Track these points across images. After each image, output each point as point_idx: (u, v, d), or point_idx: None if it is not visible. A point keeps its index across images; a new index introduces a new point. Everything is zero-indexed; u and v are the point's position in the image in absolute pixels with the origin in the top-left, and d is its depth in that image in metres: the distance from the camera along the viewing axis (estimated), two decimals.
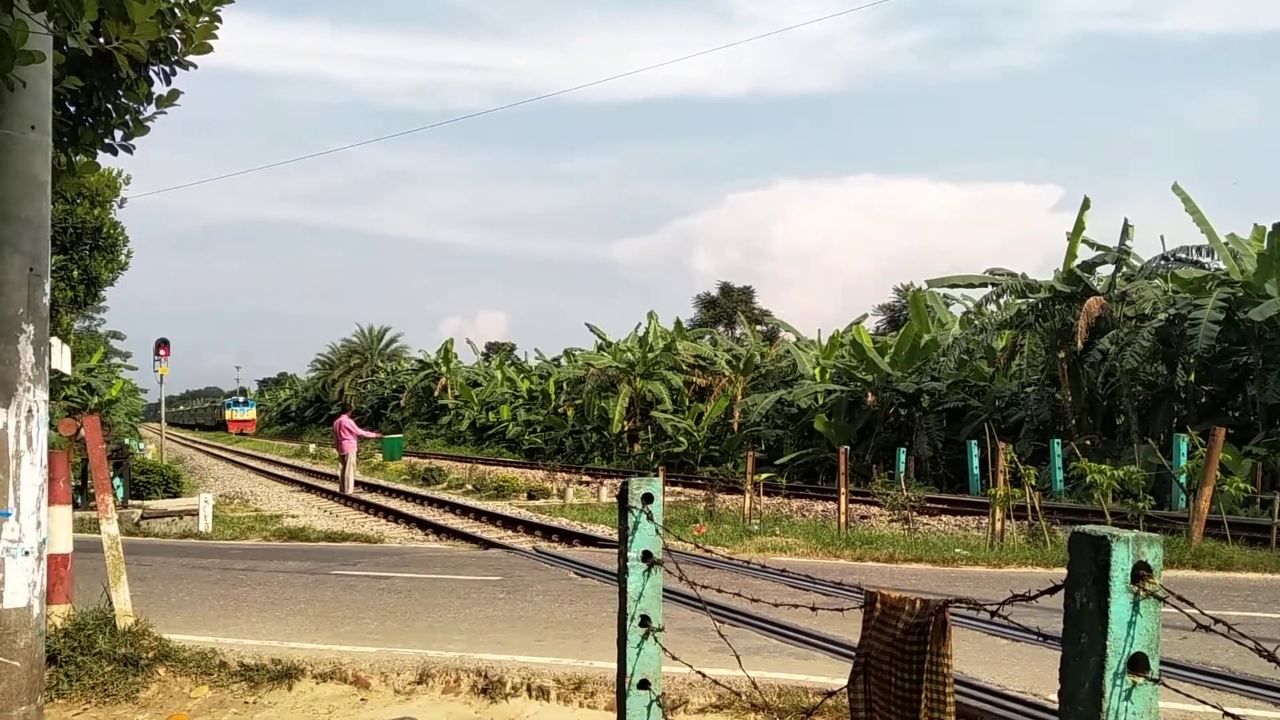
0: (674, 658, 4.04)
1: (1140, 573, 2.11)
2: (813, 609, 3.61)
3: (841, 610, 3.29)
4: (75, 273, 18.32)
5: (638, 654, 3.98)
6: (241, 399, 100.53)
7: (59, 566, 6.86)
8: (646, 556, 3.97)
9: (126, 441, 26.84)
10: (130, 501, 20.50)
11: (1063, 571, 2.11)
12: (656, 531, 3.98)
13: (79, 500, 17.80)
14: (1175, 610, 2.02)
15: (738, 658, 4.27)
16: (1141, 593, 2.09)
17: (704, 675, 4.48)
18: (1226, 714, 2.30)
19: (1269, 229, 21.39)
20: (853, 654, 4.53)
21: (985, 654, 6.99)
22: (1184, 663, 6.47)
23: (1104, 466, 13.75)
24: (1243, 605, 9.17)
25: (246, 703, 6.23)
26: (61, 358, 17.39)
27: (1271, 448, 19.09)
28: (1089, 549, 2.13)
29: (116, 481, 19.35)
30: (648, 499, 4.02)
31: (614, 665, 3.93)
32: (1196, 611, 2.12)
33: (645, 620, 3.99)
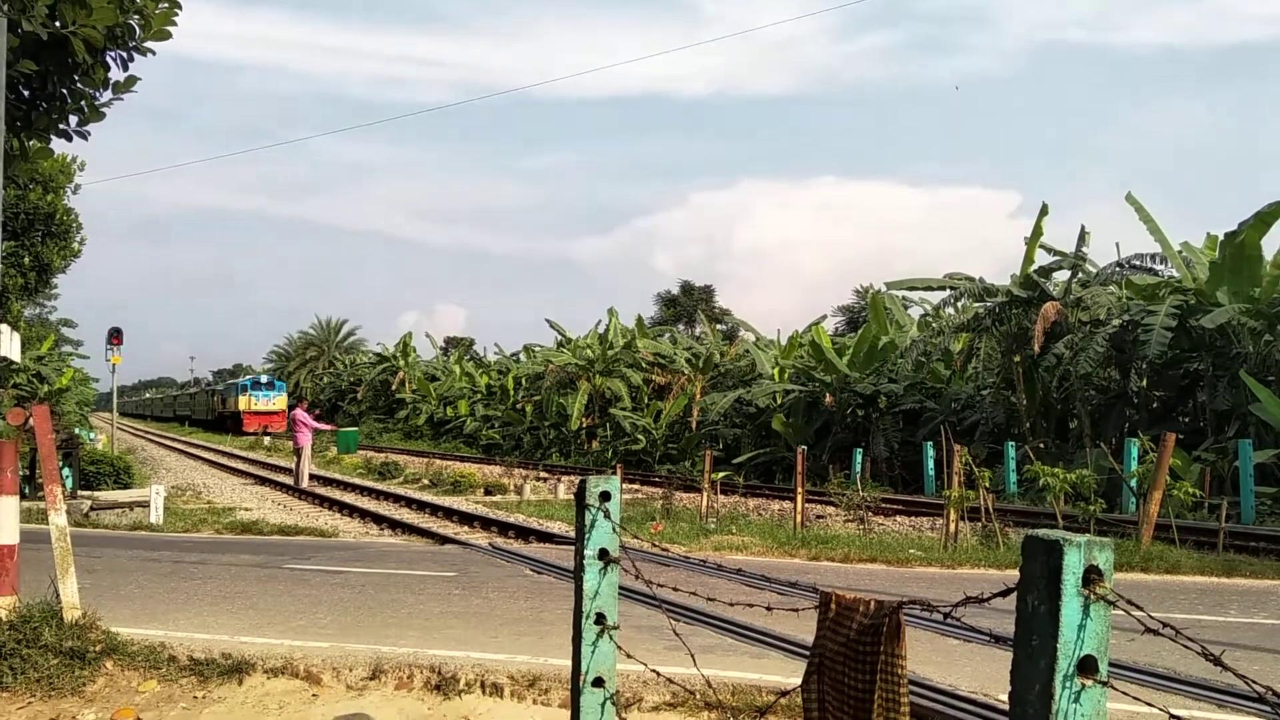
0: (629, 655, 4.04)
1: (1091, 576, 2.13)
2: (768, 609, 3.62)
3: (796, 611, 3.30)
4: (26, 259, 18.00)
5: (593, 652, 3.98)
6: (264, 379, 65.70)
7: (5, 558, 6.75)
8: (603, 555, 3.97)
9: (76, 431, 26.44)
10: (80, 492, 20.19)
11: (1015, 573, 2.14)
12: (614, 530, 3.98)
13: (26, 490, 17.48)
14: (1124, 613, 2.05)
15: (692, 656, 4.28)
16: (1092, 596, 2.12)
17: (658, 674, 4.48)
18: (1172, 716, 2.34)
19: (1221, 238, 21.78)
20: (806, 653, 4.53)
21: (937, 654, 7.06)
22: (1131, 664, 6.57)
23: (1057, 470, 13.91)
24: (1189, 608, 9.33)
25: (195, 697, 6.15)
26: (11, 345, 17.04)
27: (1220, 453, 19.43)
28: (1042, 553, 2.16)
29: (66, 472, 19.04)
30: (605, 497, 4.01)
31: (569, 662, 3.93)
32: (1144, 615, 2.15)
33: (601, 618, 3.99)
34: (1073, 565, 2.11)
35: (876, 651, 2.85)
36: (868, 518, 16.97)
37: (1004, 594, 2.40)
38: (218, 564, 11.93)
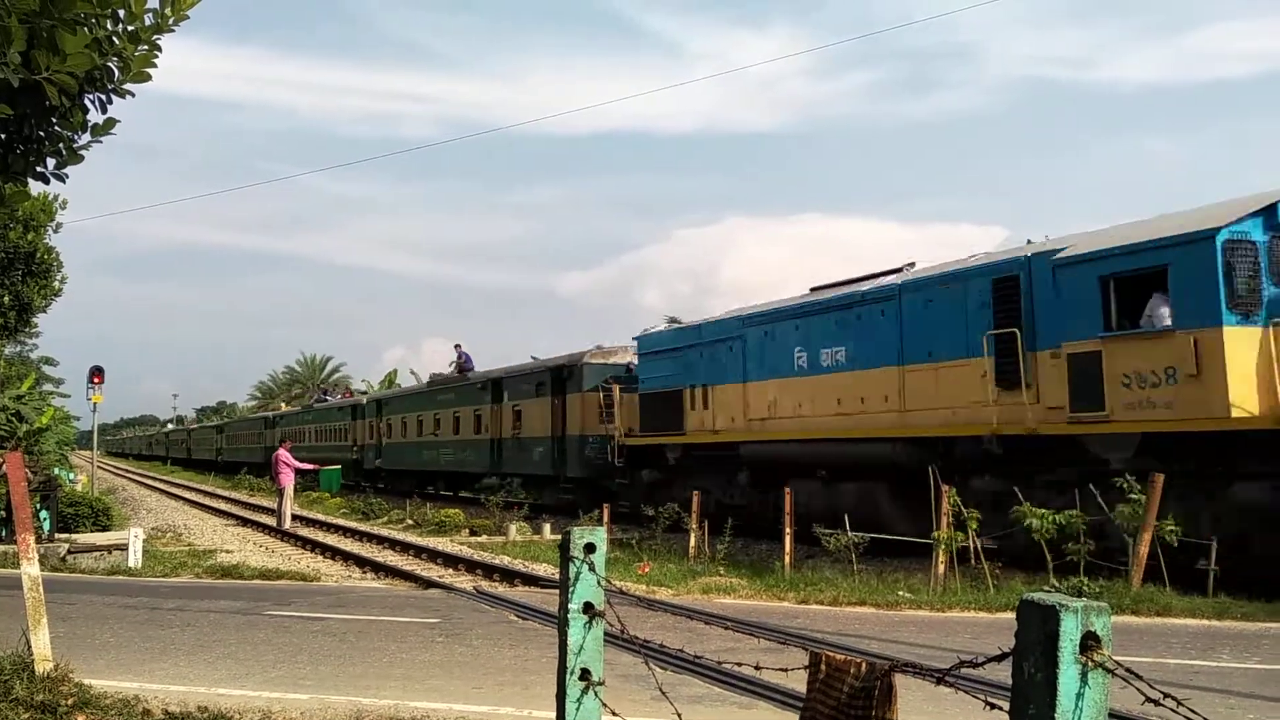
0: (614, 714, 3.94)
1: (1089, 643, 2.07)
2: (756, 668, 3.53)
3: (785, 670, 3.22)
4: (6, 299, 17.87)
5: (577, 709, 3.89)
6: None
7: None
8: (588, 608, 3.88)
9: (56, 471, 26.11)
10: (57, 535, 19.90)
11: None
12: (598, 582, 3.89)
13: (3, 533, 17.23)
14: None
15: (679, 715, 4.18)
16: (1090, 664, 2.06)
17: None
18: None
19: None
20: (796, 703, 4.43)
21: (928, 702, 6.94)
22: (1124, 713, 6.47)
23: (1043, 511, 13.82)
24: (1182, 653, 9.22)
25: None
26: None
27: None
28: (1037, 618, 2.09)
29: (44, 514, 18.80)
30: (589, 549, 3.93)
31: (553, 715, 3.84)
32: (1146, 685, 2.08)
33: (585, 674, 3.89)
34: (1069, 631, 2.05)
35: (869, 716, 2.77)
36: (855, 558, 16.81)
37: (999, 659, 2.33)
38: (196, 610, 11.73)
